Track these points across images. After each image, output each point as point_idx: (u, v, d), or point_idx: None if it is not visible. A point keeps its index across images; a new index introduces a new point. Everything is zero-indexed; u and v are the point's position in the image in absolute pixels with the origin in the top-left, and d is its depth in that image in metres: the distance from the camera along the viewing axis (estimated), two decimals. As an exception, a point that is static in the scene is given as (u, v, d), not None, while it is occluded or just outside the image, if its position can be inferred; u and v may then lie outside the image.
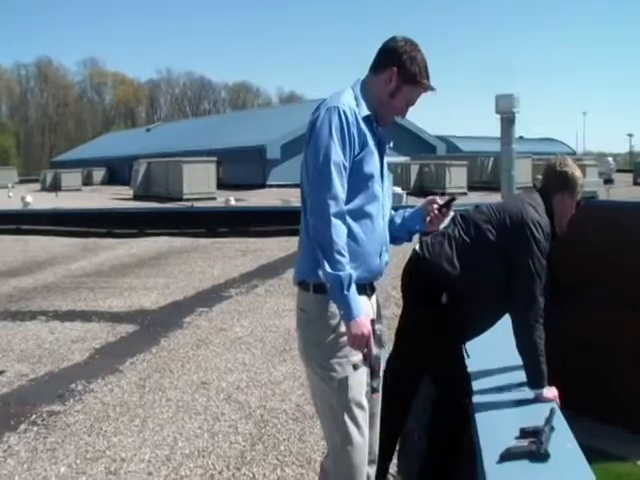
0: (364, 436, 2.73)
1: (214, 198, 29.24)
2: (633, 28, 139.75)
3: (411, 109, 2.87)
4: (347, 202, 2.68)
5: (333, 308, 2.67)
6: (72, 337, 7.60)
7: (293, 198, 20.91)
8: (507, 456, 2.31)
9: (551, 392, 3.32)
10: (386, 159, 2.93)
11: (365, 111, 2.74)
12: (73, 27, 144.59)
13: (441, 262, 3.65)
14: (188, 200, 27.11)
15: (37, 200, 25.78)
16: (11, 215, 20.80)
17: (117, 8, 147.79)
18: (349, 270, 2.57)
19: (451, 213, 2.98)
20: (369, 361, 2.67)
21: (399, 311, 4.11)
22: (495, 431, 2.50)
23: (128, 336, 7.71)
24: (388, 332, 4.02)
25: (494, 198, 21.98)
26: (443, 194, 23.23)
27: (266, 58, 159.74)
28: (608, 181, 32.42)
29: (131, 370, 6.37)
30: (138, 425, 5.04)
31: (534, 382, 3.37)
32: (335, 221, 2.59)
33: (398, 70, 2.75)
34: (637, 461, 13.51)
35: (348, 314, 2.59)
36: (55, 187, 38.10)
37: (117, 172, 48.72)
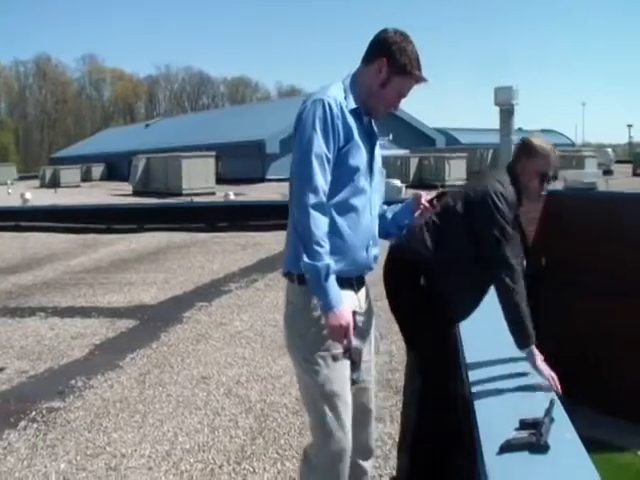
0: (344, 428, 2.72)
1: (213, 193, 29.19)
2: (631, 18, 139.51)
3: (404, 101, 2.85)
4: (332, 195, 2.67)
5: (317, 300, 2.67)
6: (72, 333, 7.60)
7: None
8: (507, 448, 2.31)
9: (540, 358, 3.36)
10: (379, 152, 2.91)
11: (353, 104, 2.72)
12: (71, 24, 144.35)
13: (415, 245, 3.70)
14: (187, 195, 27.05)
15: (36, 197, 25.75)
16: (10, 212, 20.78)
17: (115, 4, 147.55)
18: (327, 260, 2.56)
19: (439, 206, 2.95)
20: (349, 353, 2.65)
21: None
22: (495, 423, 2.50)
23: (128, 331, 7.71)
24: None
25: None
26: (443, 186, 23.23)
27: (265, 52, 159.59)
28: (607, 172, 32.35)
29: (131, 366, 6.37)
30: (138, 421, 5.04)
31: (521, 341, 3.43)
32: (314, 212, 2.58)
33: (388, 61, 2.72)
34: (638, 451, 13.50)
35: (326, 305, 2.58)
36: (54, 183, 38.01)
37: (116, 168, 48.64)
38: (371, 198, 2.80)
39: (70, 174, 41.47)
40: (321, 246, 2.56)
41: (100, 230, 17.84)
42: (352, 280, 2.78)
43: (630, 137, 67.51)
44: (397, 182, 23.29)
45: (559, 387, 3.21)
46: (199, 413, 5.16)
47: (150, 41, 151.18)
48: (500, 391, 2.83)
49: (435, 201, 2.90)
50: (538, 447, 2.27)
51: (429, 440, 3.75)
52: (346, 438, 2.73)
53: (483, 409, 2.64)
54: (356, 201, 2.73)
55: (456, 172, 32.13)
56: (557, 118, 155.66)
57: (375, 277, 3.27)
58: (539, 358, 3.41)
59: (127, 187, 33.02)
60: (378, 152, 2.90)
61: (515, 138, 22.40)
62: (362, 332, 2.80)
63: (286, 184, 2.94)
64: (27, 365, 6.48)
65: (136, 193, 30.90)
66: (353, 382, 2.71)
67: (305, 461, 2.89)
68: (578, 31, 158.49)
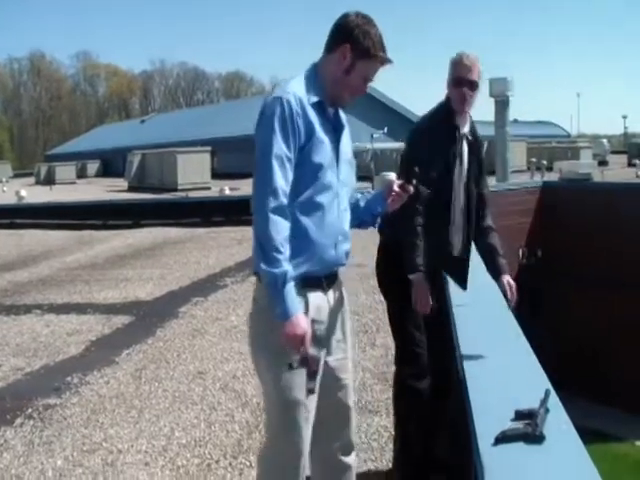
0: (295, 437, 2.67)
1: (209, 188, 29.18)
2: (626, 9, 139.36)
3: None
4: (296, 194, 2.61)
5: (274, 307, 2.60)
6: (67, 330, 7.59)
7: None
8: (502, 439, 2.29)
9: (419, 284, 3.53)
10: (348, 143, 2.84)
11: (315, 97, 2.64)
12: (65, 20, 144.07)
13: (387, 227, 3.72)
14: (183, 190, 27.10)
15: (31, 194, 25.72)
16: (5, 209, 20.76)
17: (109, 0, 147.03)
18: (285, 267, 2.50)
19: (411, 189, 2.81)
20: (305, 362, 2.59)
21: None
22: (490, 414, 2.48)
23: (124, 327, 7.70)
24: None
25: (489, 182, 21.94)
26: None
27: (259, 47, 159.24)
28: (602, 163, 32.42)
29: (127, 361, 6.36)
30: (134, 416, 5.04)
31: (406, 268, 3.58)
32: (273, 217, 2.52)
33: (351, 46, 2.64)
34: (635, 442, 13.55)
35: (282, 313, 2.52)
36: (49, 181, 37.99)
37: (111, 164, 48.63)
38: (339, 193, 2.73)
39: (65, 171, 41.44)
40: (279, 252, 2.50)
41: (96, 226, 17.85)
42: (321, 279, 2.71)
43: (625, 128, 67.71)
44: (393, 175, 23.18)
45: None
46: (195, 408, 5.15)
47: (145, 37, 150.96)
48: (495, 382, 2.82)
49: (406, 185, 2.80)
50: (534, 438, 2.26)
51: (419, 429, 3.78)
52: (295, 448, 2.69)
53: (478, 400, 2.63)
54: (322, 198, 2.66)
55: (452, 165, 32.12)
56: (552, 109, 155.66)
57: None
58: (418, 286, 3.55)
59: (123, 183, 33.04)
60: (346, 142, 2.82)
61: (510, 130, 22.40)
62: (319, 340, 2.68)
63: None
64: (23, 362, 6.47)
65: (132, 189, 30.93)
66: (309, 391, 2.63)
67: (259, 463, 2.87)
68: (573, 22, 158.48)
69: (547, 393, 2.52)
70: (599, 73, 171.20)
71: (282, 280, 2.50)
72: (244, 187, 28.87)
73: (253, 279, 2.79)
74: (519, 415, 2.40)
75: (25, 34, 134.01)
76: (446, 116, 3.75)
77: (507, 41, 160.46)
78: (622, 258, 16.13)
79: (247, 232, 15.35)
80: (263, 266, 2.52)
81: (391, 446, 4.23)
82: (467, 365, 3.07)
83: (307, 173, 2.63)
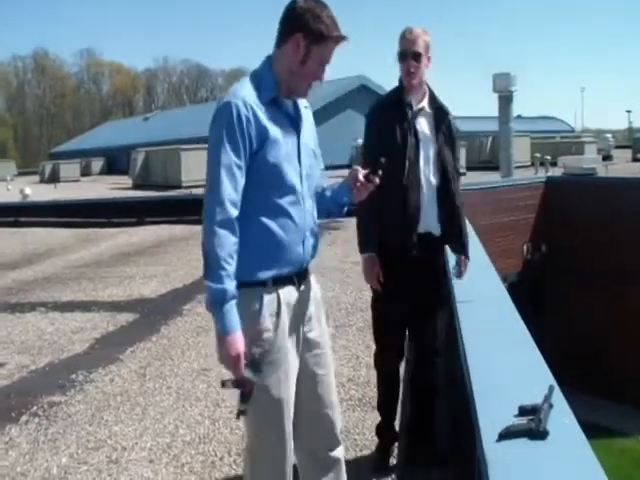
0: (276, 435, 2.66)
1: (213, 185, 29.13)
2: (629, 3, 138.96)
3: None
4: (258, 199, 2.57)
5: (255, 305, 2.60)
6: (72, 328, 7.61)
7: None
8: (506, 434, 2.29)
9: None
10: (311, 133, 2.78)
11: (268, 95, 2.60)
12: (69, 18, 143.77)
13: None
14: (187, 187, 27.04)
15: (36, 192, 25.72)
16: (9, 207, 20.79)
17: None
18: (227, 285, 2.45)
19: (377, 180, 2.73)
20: (239, 384, 2.52)
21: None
22: (493, 409, 2.48)
23: (128, 325, 7.72)
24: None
25: (493, 177, 21.93)
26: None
27: (262, 43, 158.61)
28: (607, 158, 32.31)
29: (131, 359, 6.37)
30: (139, 413, 5.05)
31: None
32: (219, 230, 2.49)
33: (304, 33, 2.56)
34: (639, 437, 13.48)
35: (220, 330, 2.48)
36: (54, 179, 37.96)
37: (116, 162, 48.58)
38: (302, 190, 2.67)
39: (69, 169, 41.40)
40: (222, 268, 2.46)
41: (100, 224, 17.85)
42: (292, 277, 2.68)
43: (630, 122, 67.42)
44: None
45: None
46: (200, 405, 5.16)
47: (148, 34, 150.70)
48: (499, 377, 2.82)
49: (372, 175, 2.73)
50: (537, 433, 2.26)
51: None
52: (283, 439, 2.68)
53: (481, 395, 2.63)
54: (284, 199, 2.62)
55: (456, 160, 32.05)
56: (556, 104, 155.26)
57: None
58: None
59: (127, 181, 33.01)
60: (308, 133, 2.76)
61: (514, 125, 22.38)
62: (253, 362, 2.56)
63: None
64: (28, 360, 6.49)
65: (136, 186, 30.87)
66: (240, 413, 2.55)
67: (245, 463, 2.87)
68: (576, 17, 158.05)
69: (551, 389, 2.52)
70: (603, 68, 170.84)
71: (221, 298, 2.46)
72: (248, 184, 28.99)
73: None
74: (523, 411, 2.40)
75: (28, 32, 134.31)
76: (396, 94, 3.81)
77: (511, 36, 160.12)
78: (626, 253, 16.12)
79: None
80: (205, 280, 2.49)
81: (398, 443, 4.24)
82: (471, 361, 3.07)
83: (266, 176, 2.58)
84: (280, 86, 2.65)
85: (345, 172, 2.96)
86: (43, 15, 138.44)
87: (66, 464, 4.29)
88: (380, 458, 4.05)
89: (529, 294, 15.36)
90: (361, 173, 2.75)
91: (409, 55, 3.70)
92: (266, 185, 2.60)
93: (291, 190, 2.64)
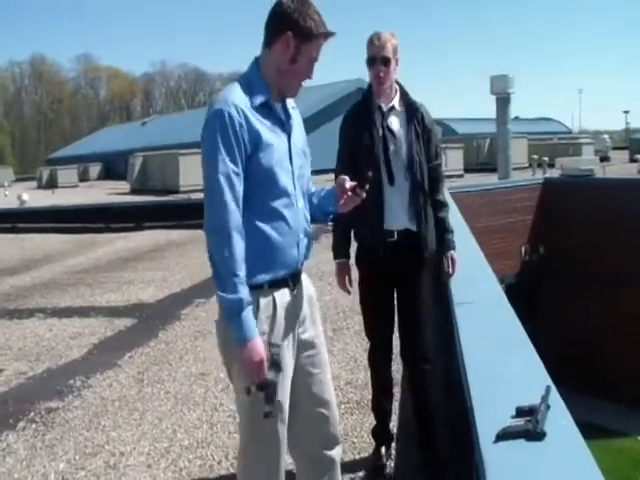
0: (271, 437, 2.65)
1: (211, 189, 29.13)
2: (627, 5, 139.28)
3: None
4: (252, 203, 2.55)
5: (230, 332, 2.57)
6: (70, 333, 7.60)
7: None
8: (503, 435, 2.29)
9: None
10: (300, 132, 2.77)
11: (259, 98, 2.58)
12: (66, 23, 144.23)
13: None
14: (185, 192, 27.03)
15: (33, 198, 25.72)
16: (7, 213, 20.78)
17: (110, 2, 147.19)
18: (242, 293, 2.45)
19: (364, 194, 2.72)
20: (263, 387, 2.53)
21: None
22: (490, 411, 2.48)
23: (126, 330, 7.71)
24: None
25: (491, 179, 21.97)
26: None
27: (259, 47, 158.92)
28: (604, 159, 32.35)
29: (129, 364, 6.36)
30: (137, 419, 5.04)
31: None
32: (227, 240, 2.48)
33: (293, 32, 2.56)
34: (637, 436, 13.50)
35: (239, 339, 2.47)
36: (51, 184, 37.94)
37: (113, 167, 48.56)
38: (295, 191, 2.67)
39: (67, 174, 41.37)
40: (235, 276, 2.46)
41: (98, 229, 17.84)
42: (287, 279, 2.68)
43: (627, 123, 67.61)
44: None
45: None
46: (198, 409, 5.15)
47: (145, 38, 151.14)
48: (496, 378, 2.81)
49: (358, 189, 2.71)
50: (534, 434, 2.25)
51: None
52: (260, 465, 2.68)
53: (478, 396, 2.62)
54: (278, 202, 2.61)
55: (453, 163, 32.05)
56: (554, 106, 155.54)
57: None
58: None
59: (125, 186, 33.02)
60: (298, 133, 2.75)
61: (512, 127, 22.39)
62: (275, 364, 2.59)
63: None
64: (25, 366, 6.47)
65: (134, 191, 30.87)
66: (266, 415, 2.55)
67: (239, 465, 2.85)
68: (574, 18, 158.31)
69: (548, 389, 2.51)
70: (600, 69, 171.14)
71: (238, 307, 2.45)
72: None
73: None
74: (520, 412, 2.39)
75: (26, 38, 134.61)
76: (364, 97, 3.87)
77: (508, 38, 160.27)
78: (623, 255, 16.12)
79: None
80: (219, 292, 2.48)
81: (395, 445, 4.23)
82: (468, 362, 3.06)
83: (260, 180, 2.57)
84: (271, 88, 2.64)
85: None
86: (40, 21, 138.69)
87: (64, 470, 4.27)
88: (376, 459, 4.04)
89: (526, 296, 15.36)
90: (348, 183, 2.74)
91: (378, 60, 3.73)
92: (260, 189, 2.59)
93: (284, 192, 2.63)
